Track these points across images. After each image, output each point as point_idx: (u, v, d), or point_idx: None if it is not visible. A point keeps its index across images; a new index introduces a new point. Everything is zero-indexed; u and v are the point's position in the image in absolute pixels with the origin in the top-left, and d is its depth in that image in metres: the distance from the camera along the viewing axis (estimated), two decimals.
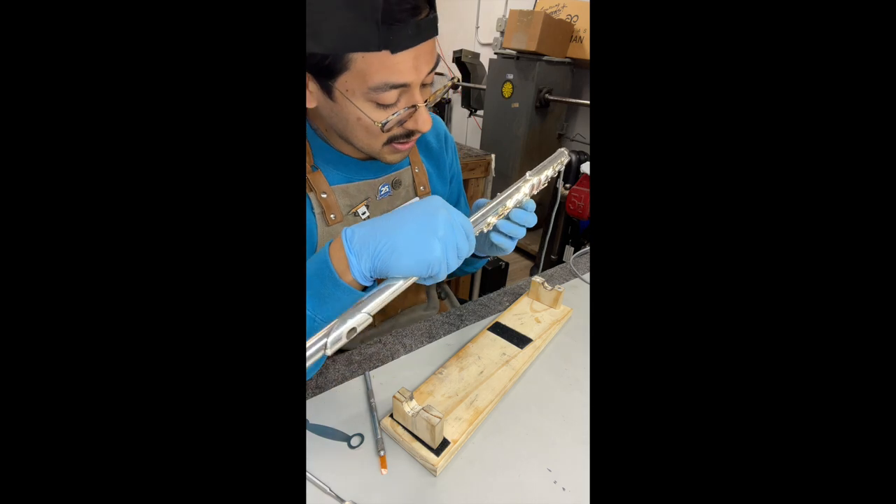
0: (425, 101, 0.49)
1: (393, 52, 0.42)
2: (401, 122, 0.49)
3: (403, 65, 0.43)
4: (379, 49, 0.41)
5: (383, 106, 0.46)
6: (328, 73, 0.44)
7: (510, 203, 0.48)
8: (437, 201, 0.41)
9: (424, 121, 0.49)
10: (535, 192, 0.51)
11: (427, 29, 0.43)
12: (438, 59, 0.50)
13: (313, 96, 0.48)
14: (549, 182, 0.53)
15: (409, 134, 0.51)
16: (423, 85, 0.49)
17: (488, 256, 0.60)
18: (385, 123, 0.46)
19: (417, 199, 0.66)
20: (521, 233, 0.50)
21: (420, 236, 0.38)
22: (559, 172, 0.55)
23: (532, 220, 0.50)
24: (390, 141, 0.51)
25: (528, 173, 0.51)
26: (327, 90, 0.46)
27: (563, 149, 0.56)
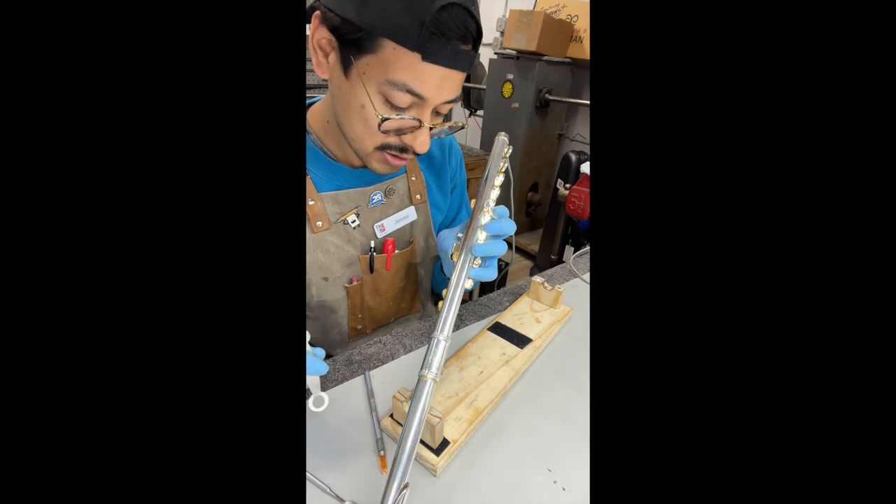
0: (431, 127, 0.48)
1: (423, 58, 0.41)
2: (400, 132, 0.48)
3: (429, 77, 0.43)
4: (412, 49, 0.41)
5: (392, 106, 0.45)
6: (355, 47, 0.43)
7: (480, 251, 0.46)
8: None
9: (422, 142, 0.48)
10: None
11: (463, 61, 0.44)
12: (460, 97, 0.49)
13: (328, 68, 0.47)
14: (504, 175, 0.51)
15: (403, 149, 0.50)
16: (437, 113, 0.48)
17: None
18: (386, 119, 0.45)
19: (412, 207, 0.66)
20: (503, 249, 0.48)
21: None
22: (508, 160, 0.53)
23: (510, 227, 0.48)
24: (383, 148, 0.50)
25: (483, 193, 0.48)
26: (346, 65, 0.45)
27: (500, 134, 0.54)
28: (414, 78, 0.43)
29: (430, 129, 0.48)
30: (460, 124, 0.52)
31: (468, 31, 0.43)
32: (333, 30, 0.44)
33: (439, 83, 0.44)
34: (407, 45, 0.41)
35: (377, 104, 0.45)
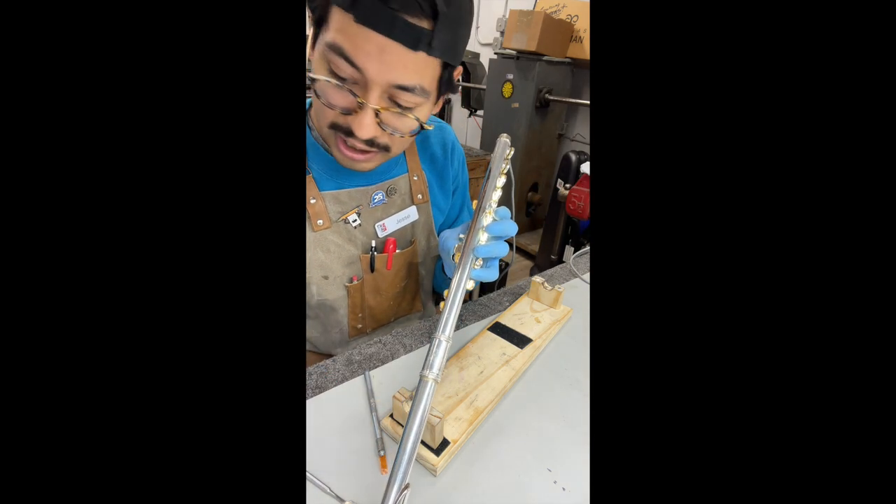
0: (377, 111, 0.45)
1: (356, 20, 0.39)
2: (347, 112, 0.46)
3: (363, 43, 0.40)
4: (346, 9, 0.40)
5: (333, 74, 0.43)
6: (317, 19, 0.43)
7: (482, 252, 0.46)
8: None
9: (361, 125, 0.45)
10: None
11: (405, 32, 0.40)
12: (426, 93, 0.46)
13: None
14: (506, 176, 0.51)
15: (349, 133, 0.47)
16: (396, 102, 0.45)
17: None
18: (314, 80, 0.44)
19: (413, 207, 0.66)
20: (504, 250, 0.48)
21: None
22: (510, 161, 0.52)
23: (512, 228, 0.48)
24: (334, 127, 0.48)
25: (485, 194, 0.48)
26: (314, 41, 0.45)
27: (502, 136, 0.53)
28: (347, 41, 0.40)
29: (377, 113, 0.45)
30: (421, 125, 0.48)
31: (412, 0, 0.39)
32: (308, 4, 0.44)
33: (378, 55, 0.40)
34: (342, 4, 0.40)
35: (319, 68, 0.44)
